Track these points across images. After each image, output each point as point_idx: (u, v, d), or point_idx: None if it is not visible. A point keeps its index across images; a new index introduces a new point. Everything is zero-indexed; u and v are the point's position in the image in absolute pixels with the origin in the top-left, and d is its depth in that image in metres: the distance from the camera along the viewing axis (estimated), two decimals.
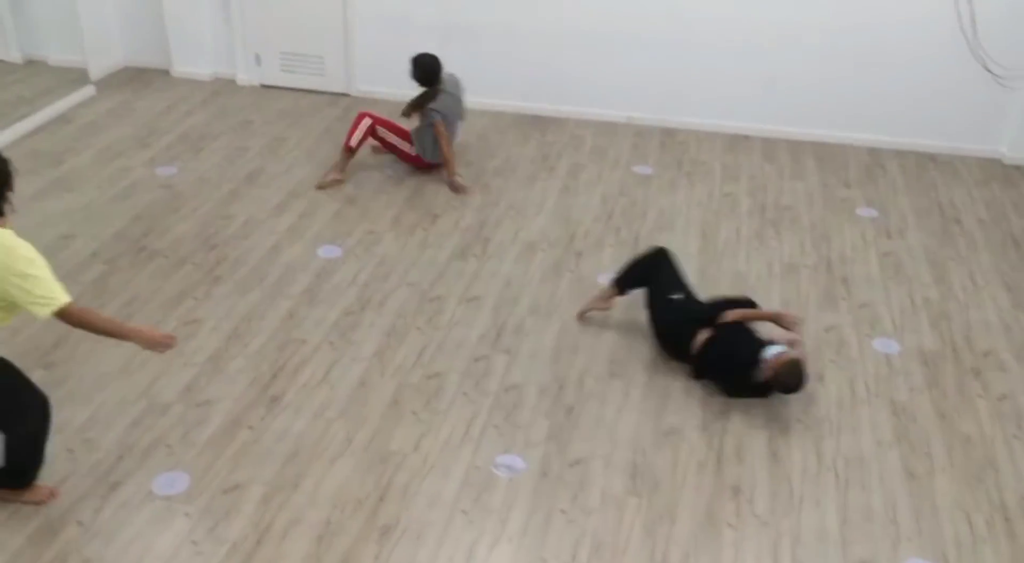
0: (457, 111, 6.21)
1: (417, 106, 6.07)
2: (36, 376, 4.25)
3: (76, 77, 7.35)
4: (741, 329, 4.45)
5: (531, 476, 3.90)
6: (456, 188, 6.10)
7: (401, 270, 5.26)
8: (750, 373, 4.25)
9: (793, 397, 4.35)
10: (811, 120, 6.96)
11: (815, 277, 5.34)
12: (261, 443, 4.01)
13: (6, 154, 3.45)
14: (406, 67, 6.09)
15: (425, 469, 3.92)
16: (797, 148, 6.91)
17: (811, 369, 4.55)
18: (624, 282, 4.78)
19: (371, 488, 3.81)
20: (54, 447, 3.83)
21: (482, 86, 7.24)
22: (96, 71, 7.52)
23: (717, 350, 4.35)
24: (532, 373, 4.50)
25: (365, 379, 4.41)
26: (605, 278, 5.22)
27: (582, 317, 4.87)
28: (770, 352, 4.22)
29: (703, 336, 4.39)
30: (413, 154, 6.21)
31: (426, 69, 6.04)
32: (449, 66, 7.23)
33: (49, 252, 5.23)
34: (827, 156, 6.81)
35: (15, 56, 7.41)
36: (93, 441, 3.97)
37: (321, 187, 6.06)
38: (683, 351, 4.47)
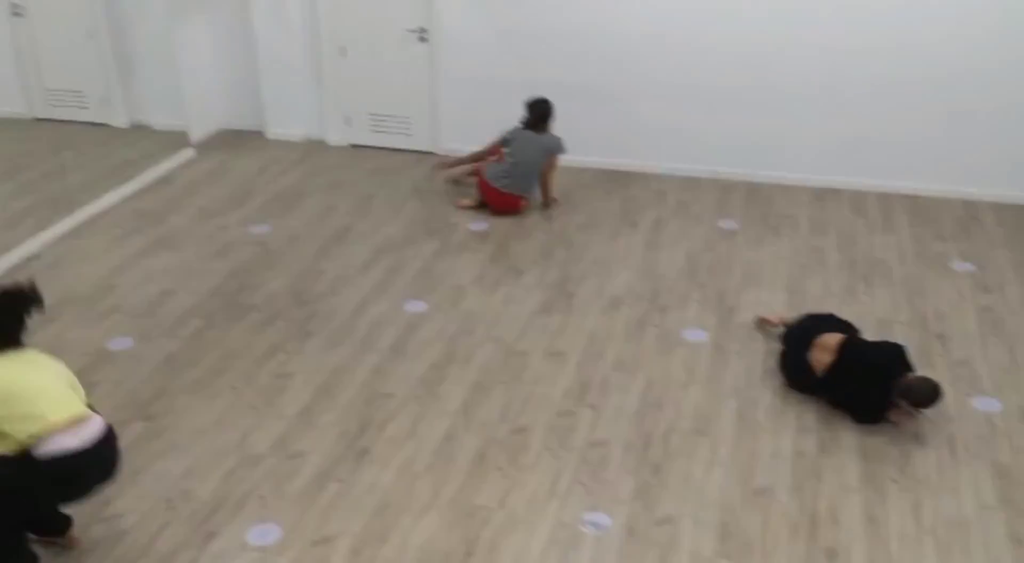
0: (527, 155, 6.44)
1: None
2: (135, 428, 4.42)
3: (177, 140, 7.70)
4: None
5: (618, 534, 3.86)
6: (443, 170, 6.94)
7: (486, 325, 5.32)
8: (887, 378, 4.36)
9: (890, 457, 4.23)
10: (902, 172, 6.85)
11: (909, 333, 5.21)
12: (350, 496, 4.06)
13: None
14: (490, 125, 6.25)
15: (511, 525, 3.91)
16: (888, 201, 6.79)
17: (908, 429, 4.43)
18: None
19: (458, 543, 3.81)
20: (154, 496, 3.95)
21: (565, 142, 7.35)
22: (196, 134, 7.88)
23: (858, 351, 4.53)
24: (617, 429, 4.47)
25: (451, 433, 4.45)
26: (690, 334, 5.19)
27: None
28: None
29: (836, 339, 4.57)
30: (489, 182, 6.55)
31: (534, 110, 6.47)
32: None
33: (150, 307, 5.49)
34: (919, 209, 6.67)
35: (122, 122, 7.80)
36: (190, 492, 4.08)
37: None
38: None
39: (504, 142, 6.54)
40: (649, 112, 7.12)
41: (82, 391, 3.58)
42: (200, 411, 4.60)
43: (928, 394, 4.30)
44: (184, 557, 3.74)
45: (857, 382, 4.45)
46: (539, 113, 6.49)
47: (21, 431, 3.25)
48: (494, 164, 6.57)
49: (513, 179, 6.46)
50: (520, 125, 6.52)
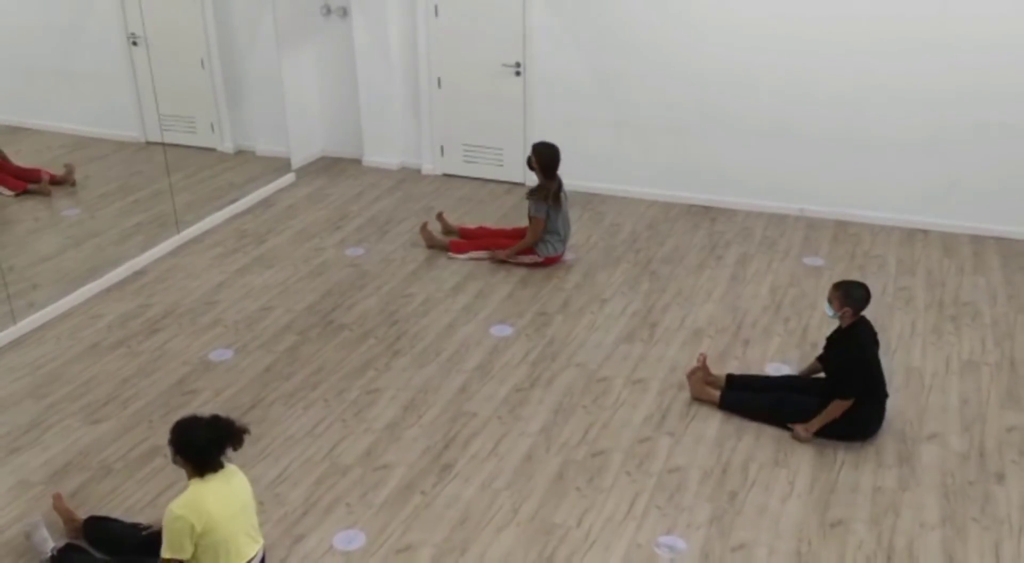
0: (567, 216, 6.44)
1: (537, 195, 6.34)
2: None
3: (279, 165, 8.07)
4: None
5: (692, 558, 3.91)
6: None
7: (569, 351, 5.44)
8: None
9: (972, 496, 4.20)
10: (994, 215, 6.76)
11: (997, 375, 5.14)
12: (432, 508, 4.21)
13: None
14: (579, 160, 6.35)
15: (587, 544, 4.00)
16: (979, 243, 6.71)
17: (991, 469, 4.39)
18: None
19: (534, 559, 3.92)
20: None
21: (653, 177, 7.48)
22: (297, 160, 8.25)
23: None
24: (695, 457, 4.53)
25: (532, 453, 4.57)
26: (772, 368, 5.22)
27: None
28: None
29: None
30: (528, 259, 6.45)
31: (542, 156, 6.31)
32: (621, 158, 7.50)
33: (249, 322, 5.76)
34: (1012, 252, 6.57)
35: (228, 147, 8.19)
36: (281, 496, 4.28)
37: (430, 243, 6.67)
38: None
39: (548, 217, 6.28)
40: (738, 150, 7.19)
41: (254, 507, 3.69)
42: (293, 421, 4.82)
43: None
44: (273, 557, 3.93)
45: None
46: (557, 158, 6.33)
47: (207, 560, 3.43)
48: (549, 243, 6.37)
49: (565, 242, 6.50)
50: (540, 197, 6.27)
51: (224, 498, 3.44)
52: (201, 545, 3.40)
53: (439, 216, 7.00)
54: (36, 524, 3.99)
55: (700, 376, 4.96)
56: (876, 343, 4.65)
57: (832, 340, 4.75)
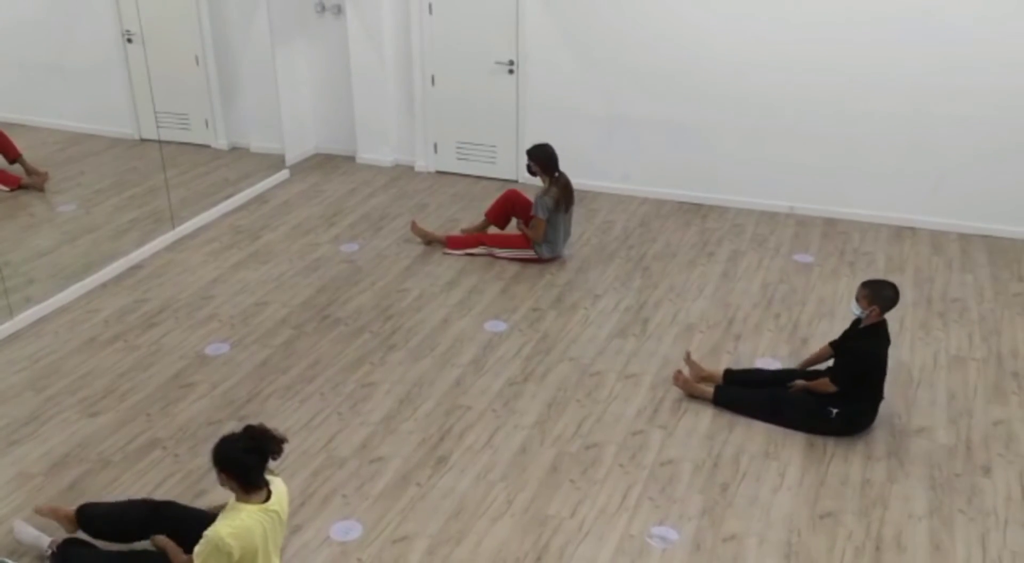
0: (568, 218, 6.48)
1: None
2: (229, 427, 4.69)
3: (273, 162, 8.11)
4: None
5: (684, 548, 3.98)
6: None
7: (563, 346, 5.50)
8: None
9: (959, 489, 4.28)
10: (982, 213, 6.84)
11: (984, 370, 5.23)
12: (428, 499, 4.27)
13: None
14: (574, 156, 6.41)
15: (581, 535, 4.06)
16: (967, 241, 6.80)
17: (978, 462, 4.47)
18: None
19: (529, 549, 3.98)
20: None
21: (645, 174, 7.54)
22: (291, 157, 8.28)
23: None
24: (687, 449, 4.59)
25: (526, 446, 4.63)
26: (763, 362, 5.29)
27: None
28: None
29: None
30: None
31: (538, 158, 6.35)
32: (613, 155, 7.56)
33: (245, 317, 5.80)
34: (998, 249, 6.66)
35: (222, 144, 8.23)
36: None
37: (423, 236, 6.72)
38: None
39: (549, 216, 6.32)
40: (729, 147, 7.26)
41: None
42: (289, 414, 4.87)
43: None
44: None
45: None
46: (554, 157, 6.38)
47: None
48: (550, 245, 6.44)
49: (564, 243, 6.55)
50: (548, 199, 6.29)
51: (268, 528, 3.43)
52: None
53: (413, 226, 6.84)
54: (18, 529, 3.98)
55: (687, 377, 5.02)
56: (888, 344, 4.71)
57: (849, 334, 4.79)
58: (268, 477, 3.49)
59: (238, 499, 3.43)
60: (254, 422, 4.46)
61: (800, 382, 4.79)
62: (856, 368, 4.60)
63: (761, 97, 7.03)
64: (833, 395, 4.62)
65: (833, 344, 4.90)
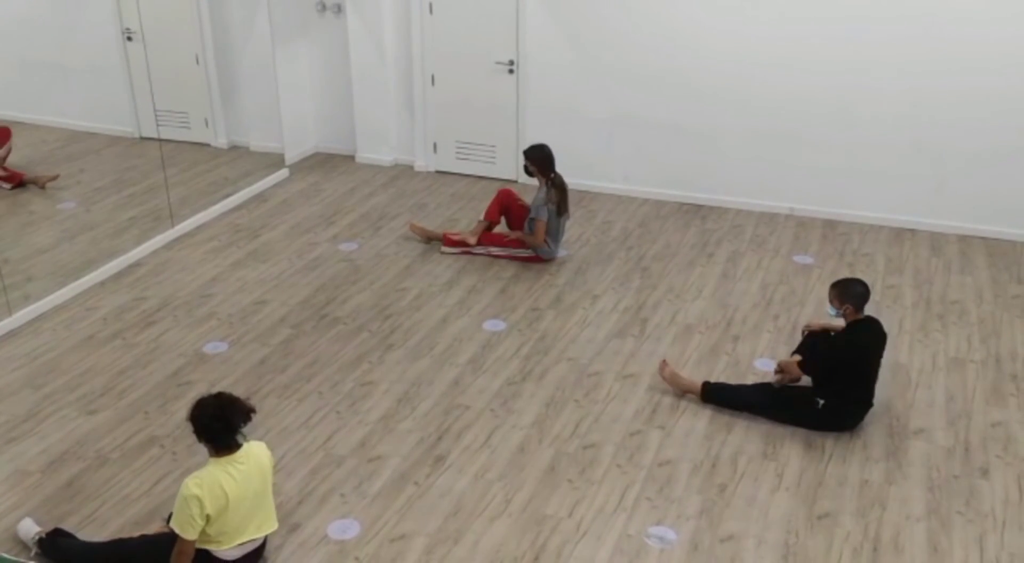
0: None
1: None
2: None
3: (273, 161, 8.10)
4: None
5: (682, 548, 3.98)
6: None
7: (561, 346, 5.49)
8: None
9: (957, 490, 4.28)
10: (981, 215, 6.84)
11: (983, 372, 5.22)
12: (426, 498, 4.26)
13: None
14: (572, 155, 6.41)
15: (578, 534, 4.05)
16: (967, 243, 6.80)
17: (976, 463, 4.47)
18: None
19: (526, 548, 3.98)
20: None
21: (645, 175, 7.54)
22: (291, 156, 8.28)
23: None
24: (685, 450, 4.59)
25: (524, 446, 4.62)
26: (761, 363, 5.29)
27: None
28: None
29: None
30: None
31: (535, 159, 6.34)
32: (613, 155, 7.57)
33: (244, 315, 5.80)
34: (999, 252, 6.66)
35: (222, 143, 8.22)
36: (276, 486, 4.29)
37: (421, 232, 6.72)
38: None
39: (549, 219, 6.33)
40: (729, 148, 7.26)
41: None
42: (288, 413, 4.87)
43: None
44: (269, 545, 3.97)
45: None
46: (550, 156, 6.36)
47: (215, 533, 3.60)
48: (551, 247, 6.46)
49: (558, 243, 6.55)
50: (546, 202, 6.30)
51: (240, 485, 3.58)
52: (208, 532, 3.52)
53: (411, 227, 6.87)
54: (22, 527, 4.00)
55: (673, 370, 5.04)
56: (882, 344, 4.72)
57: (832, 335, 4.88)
58: (246, 442, 3.65)
59: (210, 456, 3.63)
60: (254, 419, 4.48)
61: (778, 362, 4.95)
62: (826, 360, 4.70)
63: (761, 98, 7.04)
64: (818, 386, 4.69)
65: (812, 333, 5.02)
